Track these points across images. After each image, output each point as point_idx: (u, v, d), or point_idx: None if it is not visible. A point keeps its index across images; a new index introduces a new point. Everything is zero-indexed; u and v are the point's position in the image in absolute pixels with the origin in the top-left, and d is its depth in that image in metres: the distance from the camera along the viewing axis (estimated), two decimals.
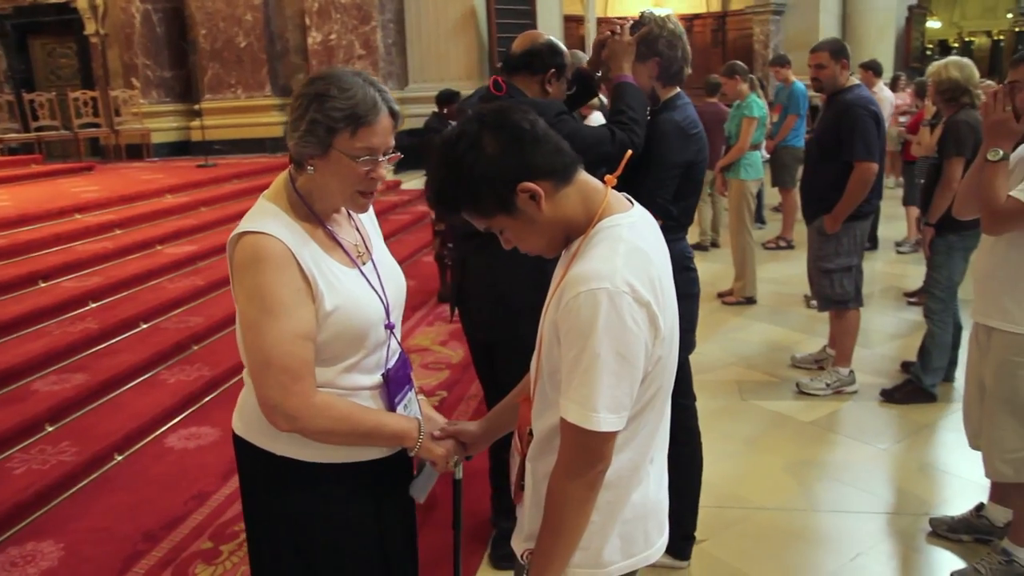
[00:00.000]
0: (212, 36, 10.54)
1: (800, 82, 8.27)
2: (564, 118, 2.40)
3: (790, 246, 7.68)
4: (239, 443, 1.70)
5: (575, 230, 1.38)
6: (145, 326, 4.80)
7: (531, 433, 1.45)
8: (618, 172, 1.46)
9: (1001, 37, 22.40)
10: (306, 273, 1.51)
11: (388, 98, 1.53)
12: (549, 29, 11.27)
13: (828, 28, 15.17)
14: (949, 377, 4.33)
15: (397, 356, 1.73)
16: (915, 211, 7.34)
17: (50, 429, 3.68)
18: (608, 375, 1.25)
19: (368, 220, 1.78)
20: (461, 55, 10.81)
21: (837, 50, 4.08)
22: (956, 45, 22.49)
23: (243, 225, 1.53)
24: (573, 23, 15.19)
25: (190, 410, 4.15)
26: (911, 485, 3.41)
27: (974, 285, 2.66)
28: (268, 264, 1.48)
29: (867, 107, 3.94)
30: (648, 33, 2.55)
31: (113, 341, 4.53)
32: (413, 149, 10.96)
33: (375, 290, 1.64)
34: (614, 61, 2.54)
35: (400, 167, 10.47)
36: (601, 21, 14.01)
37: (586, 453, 1.30)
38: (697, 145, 2.56)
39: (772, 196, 8.85)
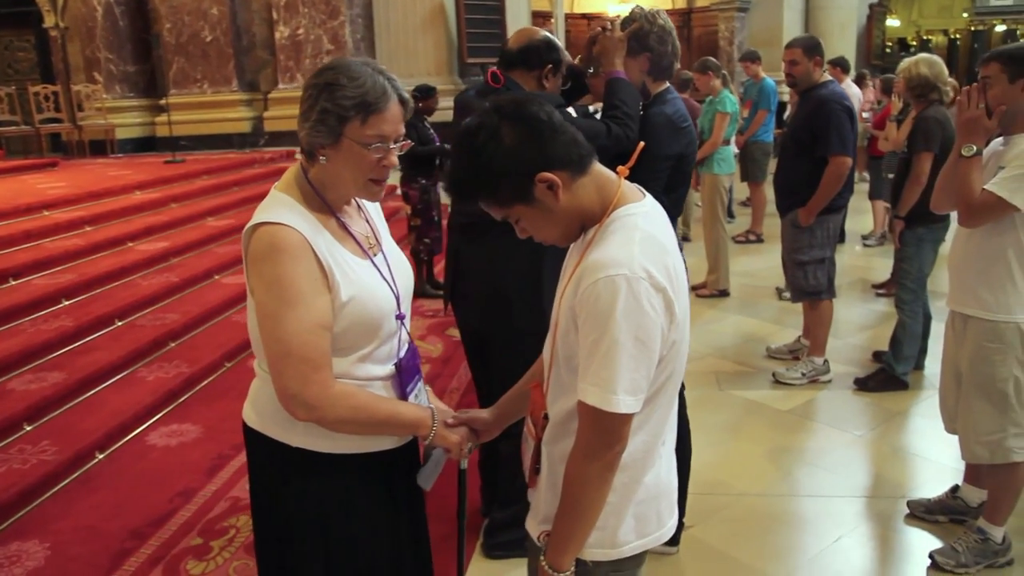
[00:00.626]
0: (177, 30, 10.38)
1: (770, 78, 8.42)
2: (561, 112, 2.43)
3: (760, 240, 7.80)
4: (251, 435, 1.71)
5: (590, 219, 1.42)
6: (120, 323, 4.74)
7: (546, 417, 1.48)
8: (631, 163, 1.50)
9: (957, 36, 22.95)
10: (322, 263, 1.52)
11: (397, 86, 1.55)
12: (517, 24, 11.31)
13: (792, 25, 15.42)
14: (920, 365, 4.46)
15: (407, 346, 1.75)
16: (881, 205, 7.51)
17: (29, 428, 3.63)
18: (627, 358, 1.29)
19: (375, 212, 1.80)
20: (430, 50, 10.77)
21: (810, 47, 4.16)
22: (914, 43, 22.99)
23: (258, 216, 1.54)
24: (540, 19, 15.23)
25: (170, 407, 4.11)
26: (886, 470, 3.51)
27: (949, 275, 2.74)
28: (286, 254, 1.49)
29: (840, 102, 4.04)
30: (639, 29, 2.60)
31: (89, 339, 4.47)
32: None
33: (386, 281, 1.66)
34: (605, 57, 2.57)
35: None
36: (568, 17, 14.08)
37: (605, 435, 1.34)
38: (687, 138, 2.61)
39: (740, 191, 8.99)
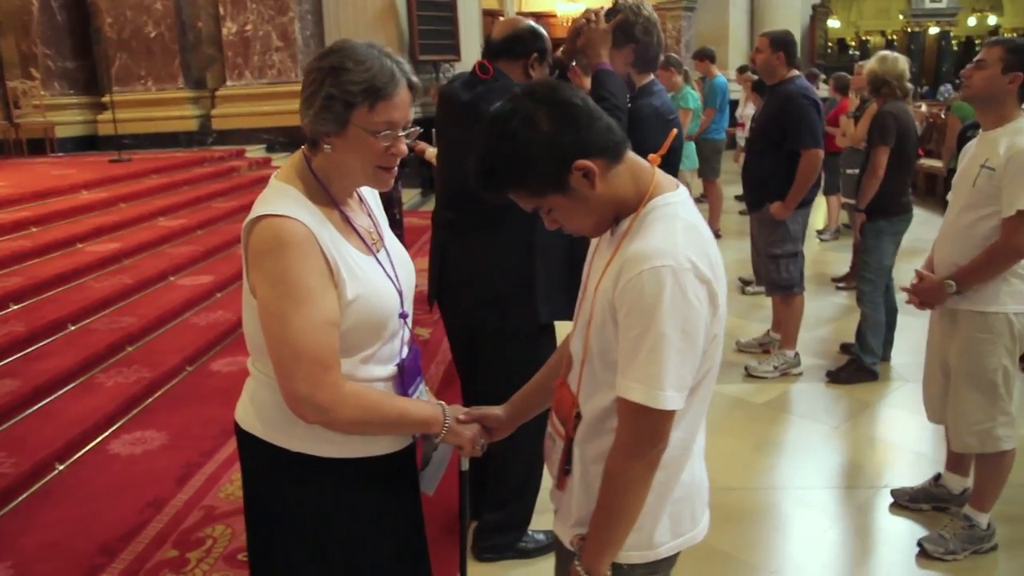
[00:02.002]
0: (119, 25, 10.01)
1: (722, 76, 8.51)
2: None
3: (717, 235, 7.87)
4: (248, 440, 1.61)
5: (625, 209, 1.36)
6: (74, 328, 4.52)
7: (578, 416, 1.42)
8: (662, 151, 1.45)
9: (894, 37, 23.63)
10: (328, 259, 1.44)
11: (406, 69, 1.48)
12: (469, 23, 11.26)
13: (738, 24, 15.69)
14: (886, 357, 4.53)
15: (410, 346, 1.68)
16: (835, 200, 7.66)
17: None
18: (674, 353, 1.24)
19: (375, 205, 1.71)
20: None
21: (777, 40, 4.19)
22: (853, 44, 23.62)
23: (260, 208, 1.44)
24: (490, 17, 15.18)
25: (132, 414, 3.92)
26: (865, 460, 3.55)
27: (937, 271, 2.74)
28: (292, 248, 1.40)
29: (808, 96, 4.08)
30: (624, 20, 2.56)
31: (41, 344, 4.25)
32: None
33: (390, 278, 1.59)
34: (591, 49, 2.53)
35: None
36: (524, 16, 14.05)
37: (648, 433, 1.29)
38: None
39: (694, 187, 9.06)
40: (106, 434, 3.71)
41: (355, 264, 1.49)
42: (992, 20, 24.92)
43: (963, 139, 4.23)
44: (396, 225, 6.06)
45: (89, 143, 10.13)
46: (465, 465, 1.77)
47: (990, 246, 2.53)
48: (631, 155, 1.37)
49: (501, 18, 3.02)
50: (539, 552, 2.84)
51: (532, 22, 2.57)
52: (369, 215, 1.66)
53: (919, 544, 2.79)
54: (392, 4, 10.43)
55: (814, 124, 4.01)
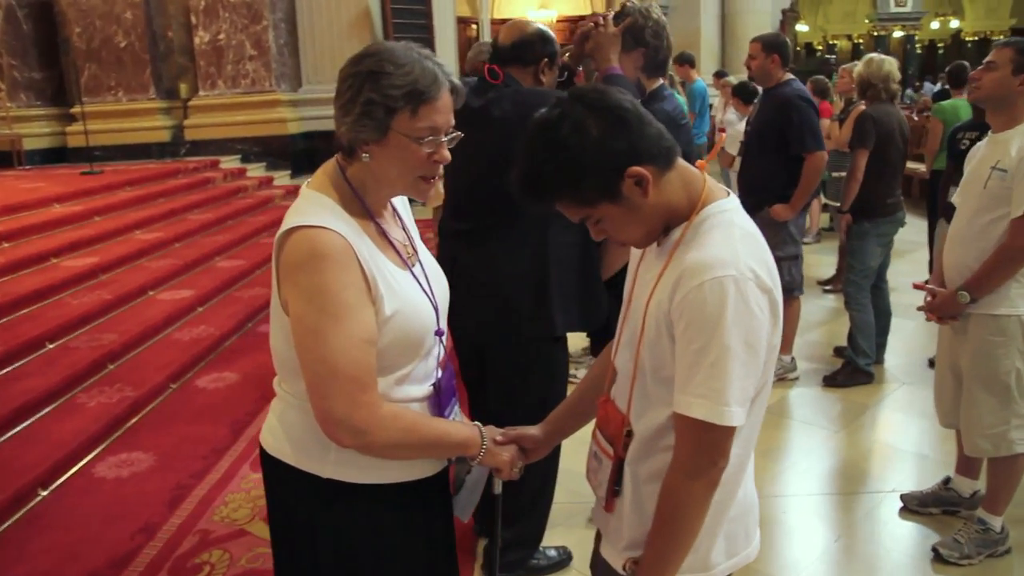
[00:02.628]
0: (88, 35, 9.80)
1: (701, 80, 8.54)
2: None
3: None
4: (275, 466, 1.52)
5: (676, 217, 1.30)
6: (52, 346, 4.38)
7: (629, 434, 1.35)
8: (711, 157, 1.40)
9: (860, 40, 23.97)
10: (366, 273, 1.36)
11: (448, 71, 1.40)
12: (443, 30, 11.19)
13: (709, 30, 15.78)
14: (879, 359, 4.52)
15: (444, 365, 1.60)
16: (816, 203, 7.68)
17: None
18: (738, 366, 1.18)
19: (408, 218, 1.64)
20: None
21: (769, 43, 4.17)
22: (820, 48, 23.93)
23: (294, 219, 1.36)
24: (464, 24, 15.14)
25: (116, 434, 3.80)
26: (869, 464, 3.53)
27: (946, 276, 2.71)
28: (329, 261, 1.32)
29: (805, 98, 4.06)
30: (633, 23, 2.51)
31: (19, 364, 4.10)
32: (309, 152, 10.63)
33: (426, 293, 1.51)
34: (600, 53, 2.48)
35: (297, 170, 10.12)
36: (494, 23, 14.02)
37: (710, 450, 1.23)
38: (687, 136, 2.55)
39: None
40: (91, 456, 3.59)
41: (392, 279, 1.42)
42: (954, 24, 25.41)
43: (953, 141, 4.24)
44: None
45: (58, 155, 9.91)
46: (499, 488, 1.70)
47: (998, 248, 2.51)
48: (681, 162, 1.32)
49: (509, 21, 2.97)
50: (551, 569, 2.77)
51: (540, 25, 2.51)
52: (403, 227, 1.58)
53: (934, 549, 2.76)
54: (367, 12, 10.34)
55: (815, 127, 4.00)
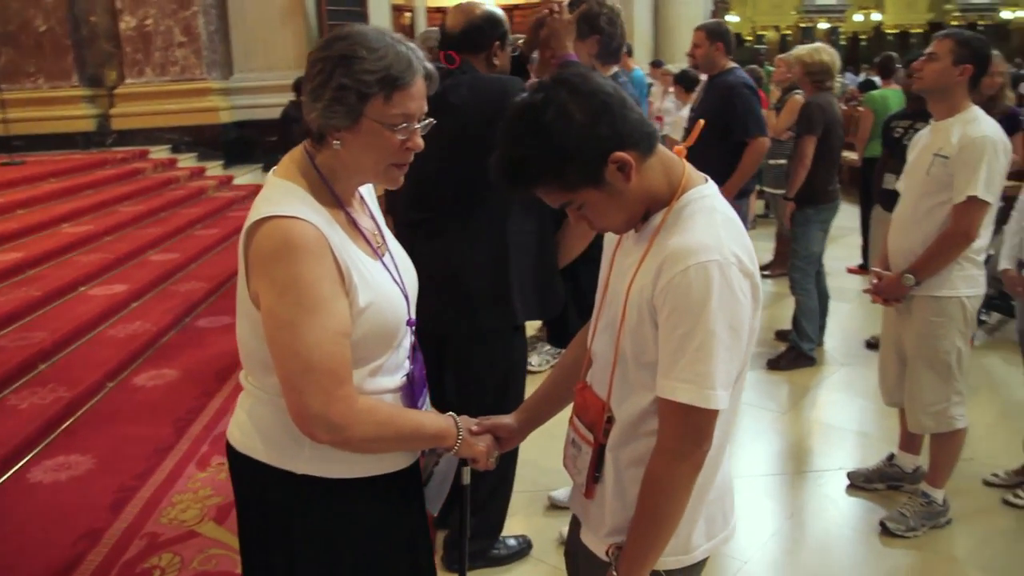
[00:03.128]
0: (4, 18, 9.30)
1: (639, 70, 8.61)
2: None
3: None
4: (245, 463, 1.47)
5: (657, 203, 1.30)
6: None
7: (610, 420, 1.35)
8: (689, 143, 1.39)
9: (788, 32, 24.57)
10: (340, 263, 1.32)
11: (421, 56, 1.37)
12: (378, 17, 11.03)
13: (642, 20, 15.91)
14: (820, 342, 4.65)
15: (416, 355, 1.57)
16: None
17: None
18: (723, 350, 1.19)
19: (374, 206, 1.60)
20: (289, 43, 10.27)
21: (713, 32, 4.21)
22: (750, 39, 24.45)
23: (264, 209, 1.31)
24: (397, 12, 14.94)
25: (52, 437, 3.64)
26: (815, 444, 3.62)
27: (891, 261, 2.80)
28: (303, 253, 1.28)
29: (749, 86, 4.12)
30: (588, 11, 2.51)
31: None
32: (242, 141, 10.37)
33: (396, 283, 1.48)
34: (556, 40, 2.46)
35: (230, 160, 9.87)
36: (430, 11, 13.88)
37: (695, 433, 1.23)
38: None
39: None
40: (25, 460, 3.43)
41: (365, 269, 1.38)
42: (876, 17, 26.26)
43: (888, 130, 4.37)
44: None
45: None
46: (467, 479, 1.68)
47: (942, 233, 2.59)
48: (661, 147, 1.31)
49: (455, 5, 2.88)
50: (512, 559, 2.77)
51: (487, 6, 2.47)
52: (371, 215, 1.54)
53: (881, 523, 2.85)
54: None
55: (758, 113, 4.06)
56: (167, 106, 9.48)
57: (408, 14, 14.78)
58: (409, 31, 14.05)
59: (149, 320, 4.96)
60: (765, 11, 25.26)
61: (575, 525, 1.56)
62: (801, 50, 4.48)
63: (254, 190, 9.18)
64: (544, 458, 2.74)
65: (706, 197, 1.29)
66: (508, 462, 2.69)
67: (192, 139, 9.67)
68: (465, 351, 2.45)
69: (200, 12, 9.66)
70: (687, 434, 1.23)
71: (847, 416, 3.86)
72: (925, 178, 2.64)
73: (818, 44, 4.54)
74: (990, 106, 3.73)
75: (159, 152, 9.26)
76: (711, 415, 1.22)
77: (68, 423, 3.77)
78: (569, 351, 1.62)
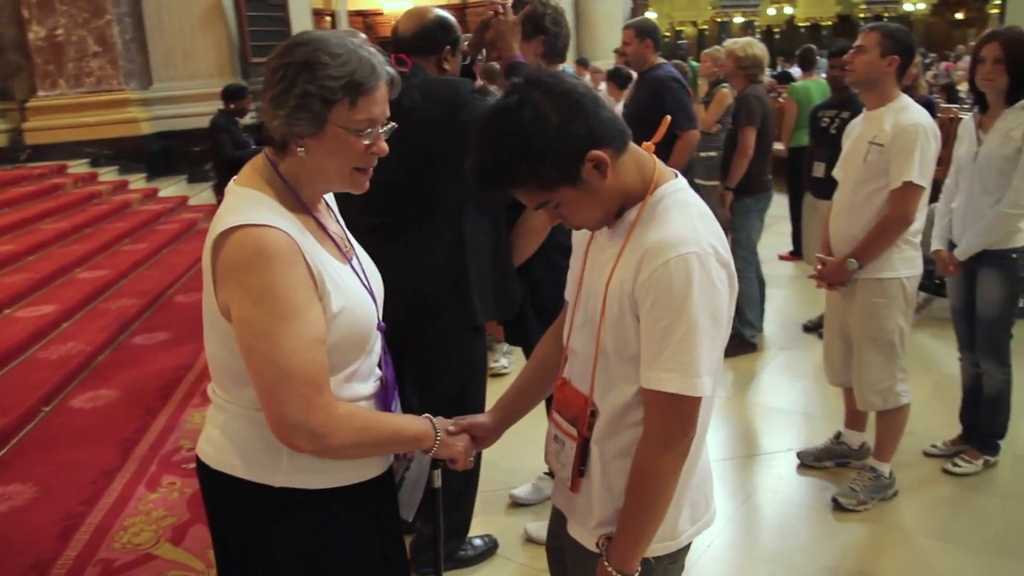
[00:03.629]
0: None
1: (568, 67, 8.69)
2: (478, 96, 2.30)
3: None
4: (219, 480, 1.43)
5: (631, 199, 1.33)
6: None
7: (593, 414, 1.37)
8: (656, 139, 1.42)
9: (705, 27, 25.17)
10: (312, 270, 1.31)
11: (382, 60, 1.37)
12: (300, 22, 10.86)
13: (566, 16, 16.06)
14: (760, 328, 4.79)
15: (386, 359, 1.57)
16: None
17: None
18: (706, 339, 1.23)
19: (335, 209, 1.59)
20: (210, 51, 10.03)
21: (642, 29, 4.30)
22: (668, 34, 24.94)
23: (232, 218, 1.29)
24: (319, 17, 14.74)
25: None
26: (763, 427, 3.73)
27: (833, 246, 2.89)
28: (277, 261, 1.26)
29: (678, 80, 4.21)
30: (533, 11, 2.53)
31: None
32: (165, 152, 10.09)
33: (365, 287, 1.48)
34: (502, 41, 2.48)
35: (153, 172, 9.58)
36: (351, 15, 13.75)
37: (682, 421, 1.27)
38: None
39: None
40: None
41: (336, 274, 1.37)
42: (788, 11, 27.12)
43: (815, 120, 4.53)
44: None
45: None
46: (438, 482, 1.68)
47: (882, 218, 2.71)
48: (633, 145, 1.34)
49: (408, 10, 2.87)
50: (479, 559, 2.78)
51: (440, 12, 2.47)
52: (337, 220, 1.53)
53: (833, 499, 2.96)
54: (218, 4, 9.86)
55: (688, 106, 4.15)
56: (84, 118, 9.14)
57: (329, 18, 14.61)
58: None
59: (82, 340, 4.78)
60: (682, 7, 25.85)
61: (557, 520, 1.58)
62: (733, 44, 4.60)
63: (180, 202, 8.94)
64: (504, 458, 2.76)
65: (679, 191, 1.33)
66: (475, 463, 2.69)
67: (112, 152, 9.34)
68: (426, 353, 2.45)
69: (114, 20, 9.33)
70: (674, 423, 1.27)
71: (791, 398, 3.99)
72: (862, 166, 2.74)
73: (748, 38, 4.67)
74: (908, 95, 3.90)
75: (78, 166, 8.92)
76: (696, 403, 1.26)
77: (3, 451, 3.61)
78: (540, 348, 1.64)
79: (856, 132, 2.85)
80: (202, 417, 4.03)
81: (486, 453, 2.55)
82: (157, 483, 3.32)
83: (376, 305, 1.50)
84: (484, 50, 2.59)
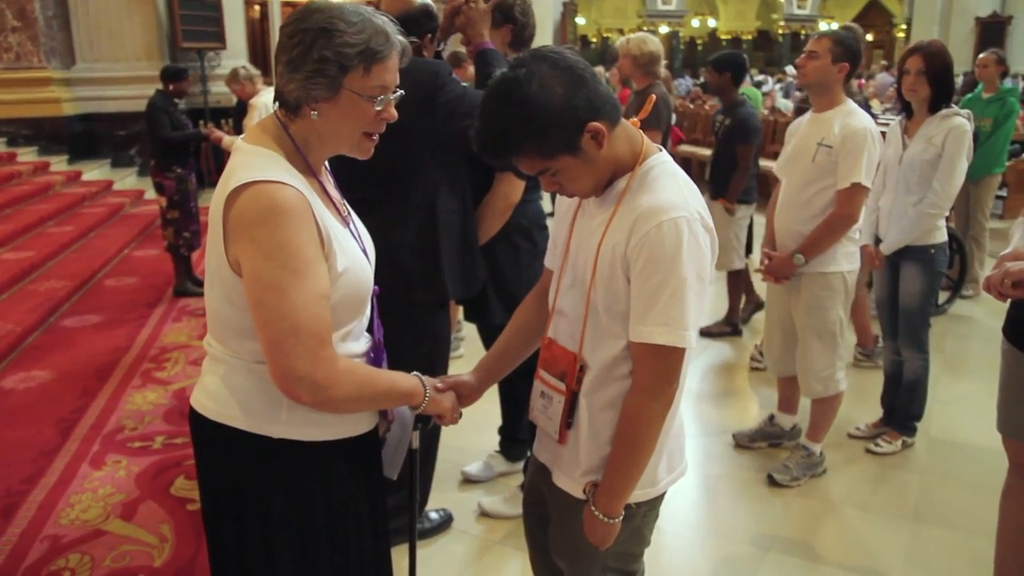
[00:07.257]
0: None
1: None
2: (455, 79, 2.38)
3: None
4: (218, 433, 1.46)
5: (622, 169, 1.43)
6: None
7: (582, 368, 1.47)
8: (643, 115, 1.53)
9: (631, 35, 25.62)
10: (320, 229, 1.36)
11: (395, 29, 1.43)
12: (233, 11, 10.66)
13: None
14: None
15: (376, 321, 1.64)
16: None
17: None
18: (692, 296, 1.34)
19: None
20: (137, 32, 9.75)
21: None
22: (595, 40, 25.43)
23: (245, 175, 1.33)
24: (248, 5, 14.44)
25: None
26: (700, 411, 3.90)
27: (777, 241, 3.05)
28: (290, 216, 1.31)
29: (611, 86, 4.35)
30: (503, 1, 2.62)
31: None
32: (88, 135, 9.76)
33: (363, 252, 1.54)
34: (472, 29, 2.55)
35: (75, 155, 9.26)
36: (284, 4, 13.51)
37: (668, 372, 1.38)
38: None
39: None
40: None
41: (340, 235, 1.43)
42: (712, 23, 27.93)
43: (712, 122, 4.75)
44: (193, 219, 5.64)
45: None
46: (416, 443, 1.74)
47: (829, 216, 2.86)
48: (623, 119, 1.45)
49: None
50: (435, 531, 2.84)
51: (425, 0, 2.53)
52: (335, 186, 1.59)
53: (769, 476, 3.14)
54: None
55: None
56: (1, 96, 8.77)
57: (258, 7, 14.33)
58: (260, 24, 13.64)
59: (11, 321, 4.64)
60: (609, 15, 26.35)
61: (538, 476, 1.66)
62: (627, 44, 4.25)
63: (105, 186, 8.68)
64: (453, 438, 2.84)
65: (666, 163, 1.45)
66: (430, 439, 2.76)
67: (31, 132, 9.01)
68: (396, 328, 2.49)
69: None
70: (661, 374, 1.38)
71: (724, 385, 4.19)
72: (810, 165, 2.89)
73: (641, 34, 4.37)
74: None
75: None
76: (682, 354, 1.37)
77: None
78: (520, 313, 1.72)
79: (801, 132, 3.00)
80: (143, 399, 4.00)
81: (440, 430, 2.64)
82: (102, 462, 3.27)
83: (371, 270, 1.56)
84: (447, 37, 2.66)
